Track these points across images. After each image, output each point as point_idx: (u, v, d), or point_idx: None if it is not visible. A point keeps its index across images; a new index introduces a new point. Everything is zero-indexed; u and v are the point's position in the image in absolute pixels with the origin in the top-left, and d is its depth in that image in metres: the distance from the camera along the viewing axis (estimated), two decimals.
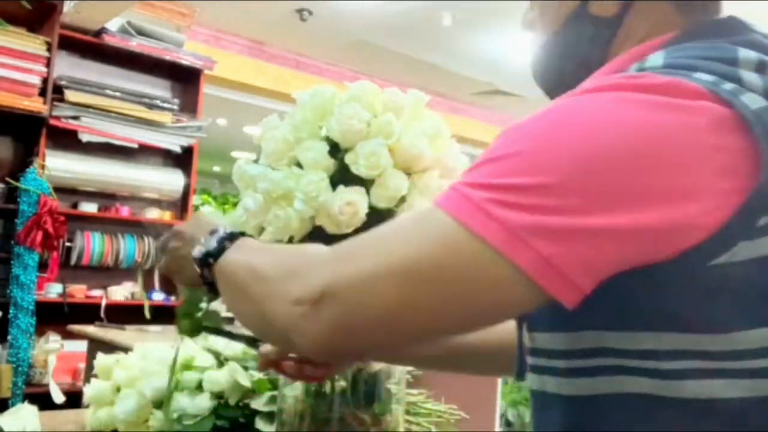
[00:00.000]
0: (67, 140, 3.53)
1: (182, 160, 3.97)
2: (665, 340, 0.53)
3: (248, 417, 1.09)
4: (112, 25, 3.65)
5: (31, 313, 3.15)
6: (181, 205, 4.03)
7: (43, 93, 3.27)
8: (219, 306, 0.86)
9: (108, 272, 3.81)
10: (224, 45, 5.12)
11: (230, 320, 0.81)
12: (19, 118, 3.22)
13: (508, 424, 4.40)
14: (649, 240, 0.50)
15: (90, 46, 3.68)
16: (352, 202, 0.84)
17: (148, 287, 3.95)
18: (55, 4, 3.32)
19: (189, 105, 4.02)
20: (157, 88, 3.99)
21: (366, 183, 0.87)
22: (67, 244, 3.56)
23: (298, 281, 0.56)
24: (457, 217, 0.51)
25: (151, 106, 3.77)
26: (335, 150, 0.89)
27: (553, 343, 0.60)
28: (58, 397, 3.10)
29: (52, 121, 3.38)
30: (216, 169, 9.76)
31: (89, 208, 3.72)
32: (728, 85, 0.52)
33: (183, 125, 3.86)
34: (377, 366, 0.91)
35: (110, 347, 2.48)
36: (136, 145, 3.71)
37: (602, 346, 0.56)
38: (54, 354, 3.34)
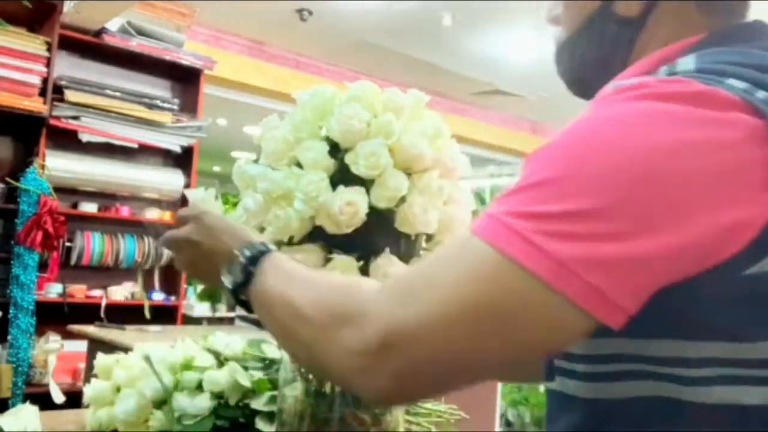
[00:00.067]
0: (67, 140, 3.53)
1: (182, 160, 3.97)
2: (693, 347, 0.53)
3: (248, 417, 1.09)
4: (112, 25, 3.65)
5: (31, 313, 3.15)
6: (181, 205, 4.01)
7: (43, 93, 3.27)
8: None
9: (108, 272, 3.81)
10: (224, 45, 5.12)
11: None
12: (19, 118, 3.22)
13: (508, 424, 4.41)
14: (694, 255, 0.50)
15: (90, 46, 3.68)
16: (352, 202, 0.84)
17: (148, 287, 3.95)
18: (55, 4, 3.32)
19: (189, 105, 4.02)
20: (157, 88, 3.99)
21: (366, 183, 0.87)
22: (67, 244, 3.56)
23: (352, 330, 0.54)
24: (508, 252, 0.50)
25: (151, 106, 3.77)
26: (335, 150, 0.89)
27: (576, 348, 0.60)
28: (58, 397, 3.10)
29: (52, 121, 3.38)
30: (216, 169, 9.76)
31: (89, 208, 3.72)
32: (761, 94, 0.52)
33: (183, 125, 3.86)
34: None
35: (110, 347, 2.48)
36: (136, 145, 3.71)
37: (627, 353, 0.56)
38: (54, 354, 3.33)
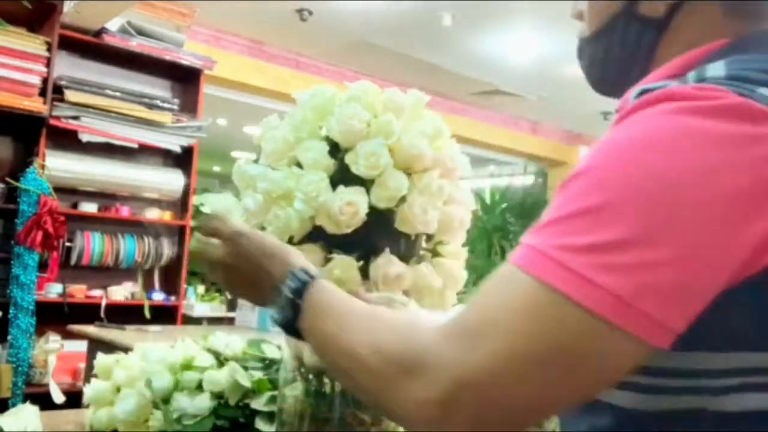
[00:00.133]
0: (67, 140, 3.53)
1: (182, 160, 3.97)
2: (720, 358, 0.54)
3: (248, 417, 1.09)
4: (112, 25, 3.65)
5: (31, 313, 3.15)
6: (181, 205, 4.03)
7: (43, 93, 3.27)
8: None
9: (108, 272, 3.81)
10: (224, 45, 5.12)
11: None
12: (19, 118, 3.22)
13: None
14: (736, 270, 0.50)
15: (90, 46, 3.67)
16: (352, 202, 0.84)
17: (148, 287, 3.95)
18: (55, 4, 3.32)
19: (189, 105, 4.02)
20: (157, 88, 3.99)
21: (366, 183, 0.87)
22: (67, 244, 3.56)
23: (421, 382, 0.53)
24: (563, 290, 0.49)
25: (151, 106, 3.77)
26: (335, 150, 0.89)
27: None
28: (58, 397, 3.10)
29: (52, 121, 3.38)
30: (216, 169, 9.76)
31: (89, 208, 3.72)
32: None
33: (183, 125, 3.86)
34: None
35: (110, 347, 2.48)
36: (136, 145, 3.71)
37: (655, 366, 0.56)
38: (54, 354, 3.33)
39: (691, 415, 0.55)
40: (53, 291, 3.53)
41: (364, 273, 0.88)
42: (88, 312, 3.44)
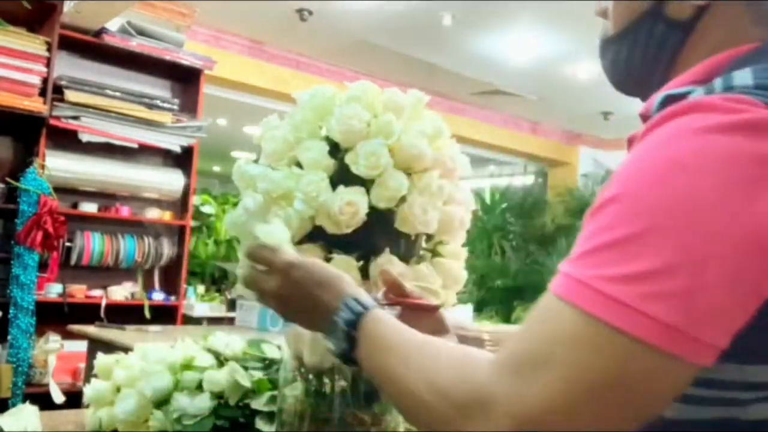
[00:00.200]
0: (67, 140, 3.53)
1: (182, 160, 3.97)
2: (753, 371, 0.55)
3: (248, 417, 1.09)
4: (112, 25, 3.65)
5: (31, 313, 3.15)
6: (181, 205, 4.03)
7: (43, 93, 3.27)
8: None
9: (108, 272, 3.81)
10: (224, 45, 5.12)
11: None
12: (19, 118, 3.22)
13: None
14: None
15: (90, 46, 3.68)
16: (352, 202, 0.84)
17: (148, 287, 3.95)
18: (55, 4, 3.32)
19: (189, 105, 4.02)
20: (157, 88, 3.99)
21: (366, 183, 0.87)
22: (67, 244, 3.56)
23: (481, 422, 0.53)
24: (614, 323, 0.50)
25: (151, 106, 3.77)
26: (335, 150, 0.89)
27: None
28: (58, 397, 3.10)
29: (52, 121, 3.38)
30: (216, 169, 9.76)
31: (89, 208, 3.73)
32: None
33: (183, 125, 3.86)
34: None
35: (110, 347, 2.48)
36: (136, 145, 3.71)
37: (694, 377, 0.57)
38: (54, 354, 3.34)
39: (720, 424, 0.56)
40: (53, 291, 3.54)
41: (364, 273, 0.88)
42: (88, 312, 3.44)
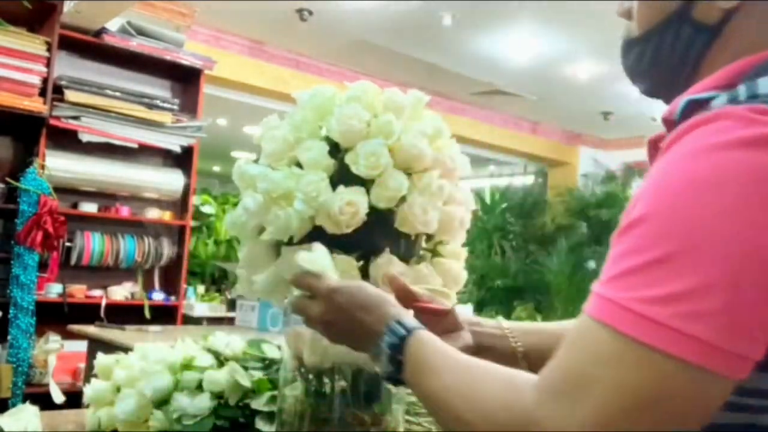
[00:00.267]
0: (67, 140, 3.53)
1: (182, 160, 3.98)
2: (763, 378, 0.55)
3: (248, 417, 1.09)
4: (112, 25, 3.65)
5: (31, 313, 3.15)
6: (181, 205, 4.03)
7: (43, 93, 3.27)
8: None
9: (108, 272, 3.81)
10: (224, 45, 5.12)
11: None
12: (19, 118, 3.22)
13: None
14: None
15: (90, 46, 3.68)
16: (352, 202, 0.84)
17: (148, 287, 3.95)
18: (55, 4, 3.32)
19: (189, 105, 4.02)
20: (157, 88, 3.99)
21: (366, 183, 0.87)
22: (67, 244, 3.56)
23: None
24: (656, 345, 0.51)
25: (151, 106, 3.77)
26: (335, 150, 0.89)
27: None
28: (58, 397, 3.10)
29: (52, 121, 3.38)
30: (216, 169, 9.76)
31: (89, 208, 3.73)
32: None
33: (183, 125, 3.86)
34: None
35: (110, 347, 2.49)
36: (136, 145, 3.72)
37: None
38: (54, 354, 3.34)
39: (739, 429, 0.57)
40: (53, 291, 3.54)
41: (364, 273, 0.88)
42: (88, 312, 3.44)
